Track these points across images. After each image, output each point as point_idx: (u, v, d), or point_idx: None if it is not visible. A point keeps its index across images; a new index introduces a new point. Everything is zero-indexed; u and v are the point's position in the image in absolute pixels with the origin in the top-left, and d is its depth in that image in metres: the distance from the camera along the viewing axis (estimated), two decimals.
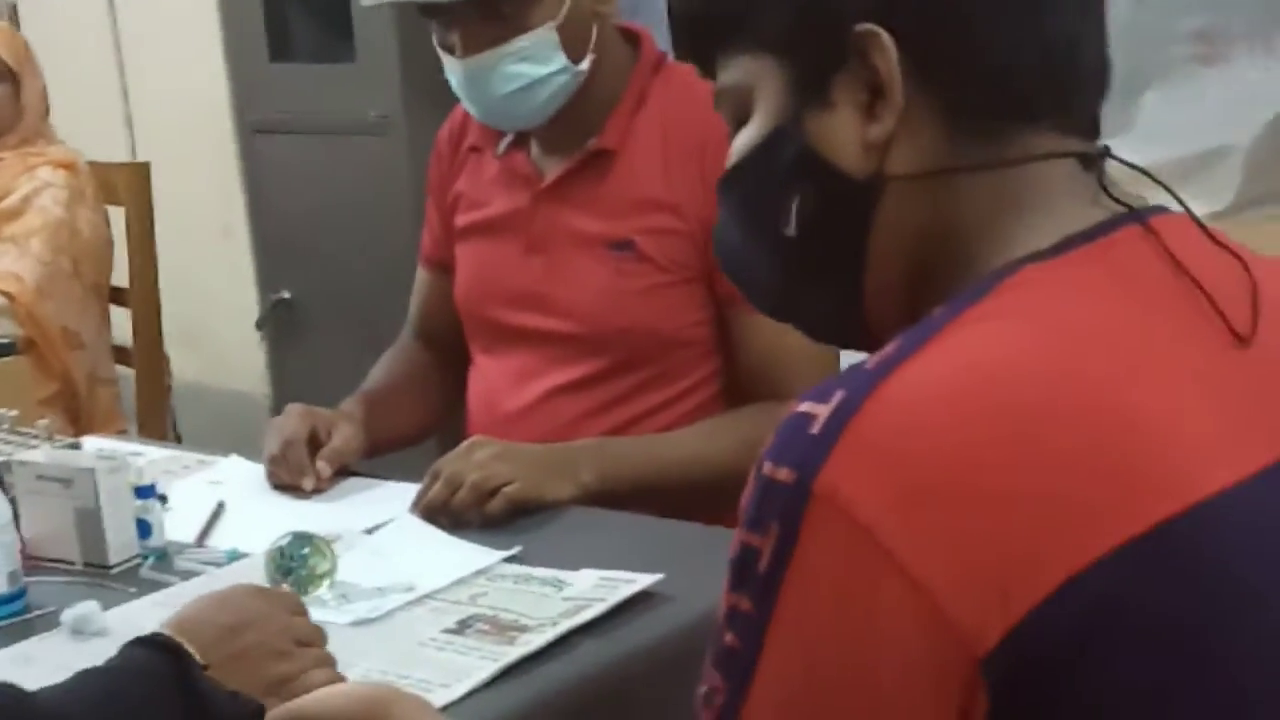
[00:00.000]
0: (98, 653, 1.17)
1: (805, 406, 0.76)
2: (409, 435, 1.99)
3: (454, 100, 1.87)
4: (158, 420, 2.76)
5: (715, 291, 1.80)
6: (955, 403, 0.74)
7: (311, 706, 0.97)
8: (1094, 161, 0.86)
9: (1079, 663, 0.71)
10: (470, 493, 1.62)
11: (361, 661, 1.31)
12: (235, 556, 1.58)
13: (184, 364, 3.89)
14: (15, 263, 2.60)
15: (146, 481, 1.61)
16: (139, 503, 1.59)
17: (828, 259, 0.88)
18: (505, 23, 1.76)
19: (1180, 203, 0.86)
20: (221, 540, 1.64)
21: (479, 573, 1.49)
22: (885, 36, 0.83)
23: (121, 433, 2.58)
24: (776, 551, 0.74)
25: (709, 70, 0.92)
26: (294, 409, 1.83)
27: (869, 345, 0.86)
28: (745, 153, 0.89)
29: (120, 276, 2.77)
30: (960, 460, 0.72)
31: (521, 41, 1.76)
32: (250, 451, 1.86)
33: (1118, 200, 0.85)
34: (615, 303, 1.81)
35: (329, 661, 1.25)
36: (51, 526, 1.58)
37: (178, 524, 1.65)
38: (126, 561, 1.58)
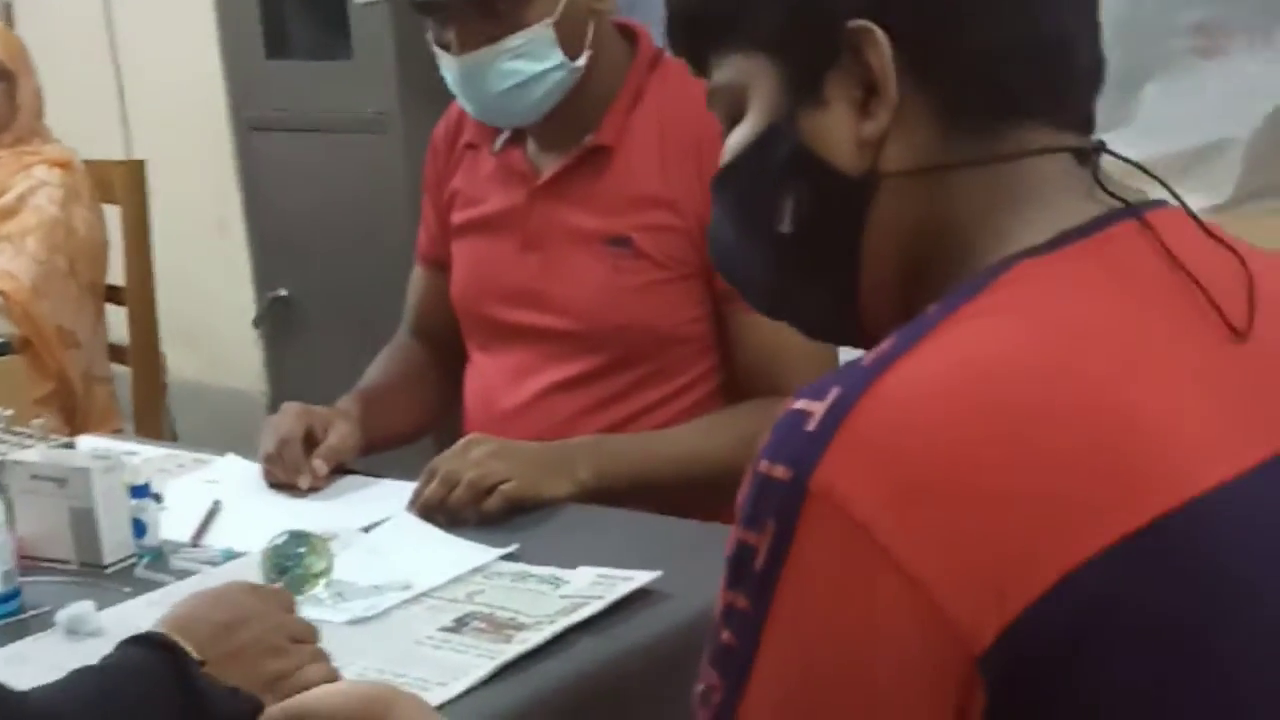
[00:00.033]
0: (93, 652, 1.16)
1: (801, 404, 0.75)
2: (405, 433, 1.99)
3: (450, 97, 1.87)
4: (154, 419, 2.75)
5: (713, 288, 1.79)
6: (951, 399, 0.73)
7: (310, 704, 0.97)
8: (1089, 156, 0.86)
9: (1075, 660, 0.71)
10: (467, 491, 1.61)
11: (358, 660, 1.31)
12: (231, 556, 1.58)
13: (181, 362, 3.88)
14: (11, 261, 2.60)
15: (142, 481, 1.60)
16: (134, 502, 1.59)
17: (823, 256, 0.88)
18: (501, 20, 1.76)
19: (1176, 197, 0.86)
20: (217, 539, 1.64)
21: (476, 570, 1.49)
22: (879, 33, 0.82)
23: (118, 431, 2.57)
24: (773, 549, 0.74)
25: (703, 69, 0.91)
26: (290, 407, 1.82)
27: (865, 342, 0.85)
28: (739, 151, 0.89)
29: (116, 275, 2.76)
30: (956, 457, 0.72)
31: (517, 38, 1.76)
32: (247, 450, 1.86)
33: (1113, 195, 0.84)
34: (612, 299, 1.81)
35: (323, 658, 1.24)
36: (46, 526, 1.58)
37: (173, 523, 1.65)
38: (121, 561, 1.57)
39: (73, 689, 1.11)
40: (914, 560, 0.71)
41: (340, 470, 1.79)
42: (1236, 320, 0.80)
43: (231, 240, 3.88)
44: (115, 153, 3.84)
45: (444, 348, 2.00)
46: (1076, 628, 0.70)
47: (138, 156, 3.25)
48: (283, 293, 3.73)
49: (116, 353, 2.79)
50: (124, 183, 2.76)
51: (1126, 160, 0.88)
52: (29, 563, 1.55)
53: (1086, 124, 0.88)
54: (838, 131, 0.85)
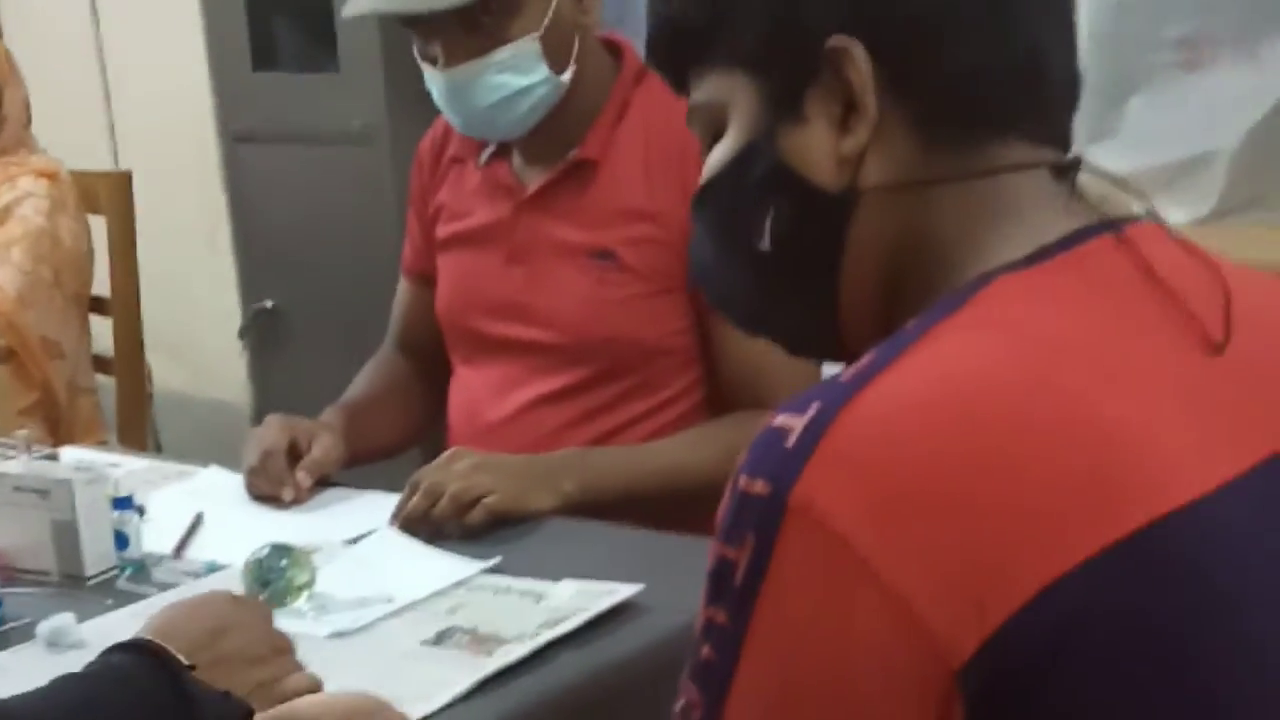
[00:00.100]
0: (74, 665, 1.15)
1: (780, 419, 0.75)
2: (389, 446, 1.99)
3: (437, 110, 1.87)
4: (138, 430, 2.75)
5: (697, 301, 1.80)
6: (930, 414, 0.74)
7: (297, 712, 0.97)
8: (1067, 171, 0.86)
9: (1054, 672, 0.71)
10: (450, 504, 1.61)
11: (339, 673, 1.30)
12: (213, 568, 1.57)
13: (166, 373, 3.87)
14: None
15: (124, 493, 1.60)
16: (116, 514, 1.59)
17: (802, 273, 0.88)
18: (487, 34, 1.76)
19: (1153, 212, 0.86)
20: (200, 552, 1.64)
21: (458, 584, 1.49)
22: (858, 50, 0.83)
23: (102, 442, 2.56)
24: (752, 564, 0.74)
25: (683, 87, 0.92)
26: (274, 419, 1.82)
27: (845, 358, 0.86)
28: (719, 169, 0.89)
29: (101, 285, 2.76)
30: (935, 471, 0.72)
31: (503, 53, 1.76)
32: (232, 461, 1.85)
33: (1091, 209, 0.84)
34: (597, 312, 1.81)
35: (302, 669, 1.24)
36: (28, 538, 1.57)
37: (156, 535, 1.64)
38: (103, 573, 1.57)
39: (55, 696, 1.09)
40: (893, 574, 0.71)
41: (324, 483, 1.79)
42: (1214, 333, 0.81)
43: (217, 252, 3.87)
44: (102, 163, 3.83)
45: (429, 361, 2.00)
46: (1056, 640, 0.71)
47: (124, 167, 3.25)
48: (268, 304, 3.73)
49: (101, 363, 2.78)
50: (110, 194, 2.75)
51: (1105, 175, 0.88)
52: (10, 574, 1.55)
53: (1064, 139, 0.88)
54: (817, 148, 0.85)
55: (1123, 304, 0.81)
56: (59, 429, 2.61)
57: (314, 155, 3.51)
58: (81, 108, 4.10)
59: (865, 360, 0.77)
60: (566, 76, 1.80)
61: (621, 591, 1.40)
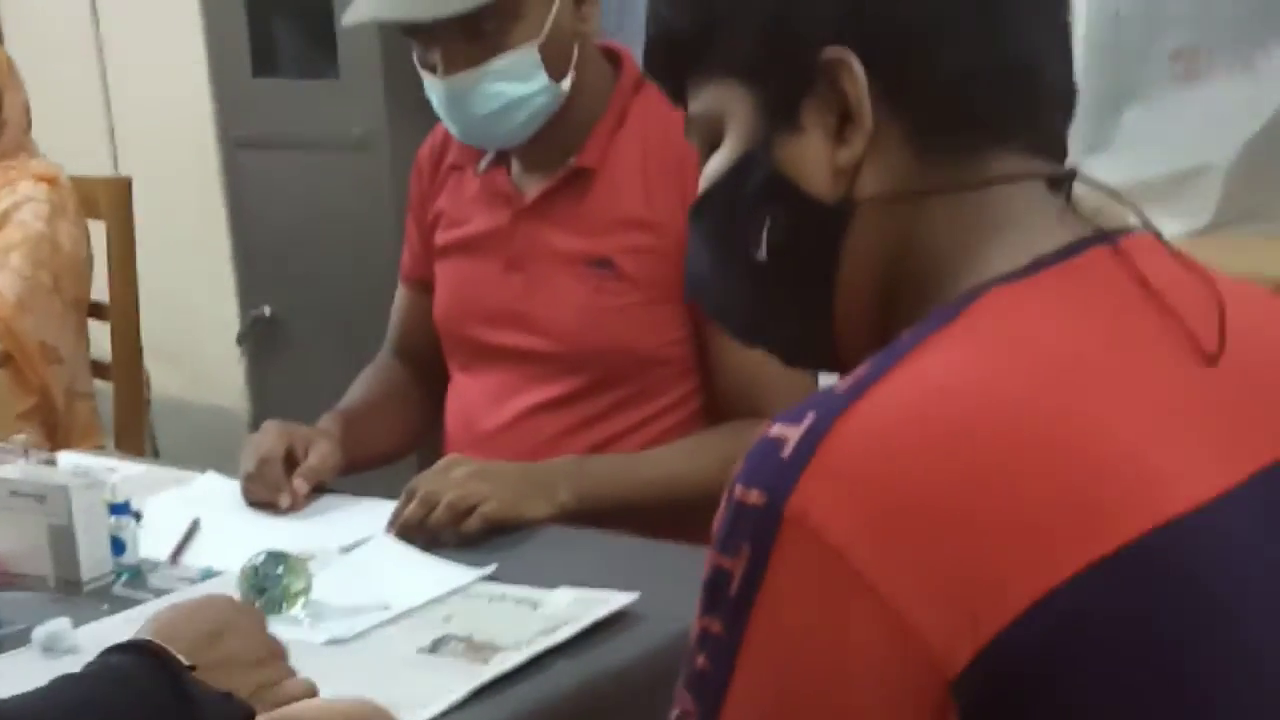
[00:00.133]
0: (68, 670, 1.15)
1: (776, 429, 0.76)
2: (386, 453, 1.99)
3: (437, 118, 1.87)
4: (136, 435, 2.75)
5: (694, 310, 1.80)
6: (925, 425, 0.74)
7: (300, 715, 0.97)
8: (1062, 183, 0.86)
9: (1048, 684, 0.71)
10: (446, 512, 1.61)
11: (335, 680, 1.30)
12: (209, 574, 1.57)
13: (164, 379, 3.87)
14: None
15: (121, 498, 1.60)
16: (113, 520, 1.59)
17: (798, 283, 0.88)
18: (486, 42, 1.76)
19: (1148, 224, 0.87)
20: (196, 558, 1.64)
21: (454, 591, 1.49)
22: (853, 61, 0.83)
23: (99, 448, 2.56)
24: (747, 574, 0.74)
25: (680, 98, 0.92)
26: (271, 426, 1.82)
27: (841, 368, 0.86)
28: (715, 179, 0.90)
29: (100, 291, 2.76)
30: (930, 483, 0.72)
31: (502, 60, 1.76)
32: (229, 467, 1.85)
33: (1086, 221, 0.85)
34: (594, 321, 1.81)
35: (296, 675, 1.24)
36: (25, 543, 1.57)
37: (152, 541, 1.64)
38: (99, 578, 1.57)
39: (54, 696, 1.09)
40: (888, 585, 0.71)
41: (320, 489, 1.79)
42: (1207, 345, 0.81)
43: (216, 257, 3.88)
44: (102, 168, 3.84)
45: (426, 368, 2.00)
46: (1049, 652, 0.71)
47: (124, 172, 3.25)
48: (267, 310, 3.73)
49: (99, 368, 2.78)
50: (110, 199, 2.75)
51: (1100, 186, 0.88)
52: (5, 579, 1.55)
53: (1060, 150, 0.88)
54: (813, 159, 0.85)
55: (1117, 315, 0.81)
56: (56, 434, 2.61)
57: (313, 161, 3.51)
58: (82, 113, 4.11)
59: (861, 371, 0.77)
60: (565, 85, 1.80)
61: (617, 600, 1.40)
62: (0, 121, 2.71)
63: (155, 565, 1.61)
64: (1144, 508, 0.73)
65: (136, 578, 1.58)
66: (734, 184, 0.88)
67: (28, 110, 2.77)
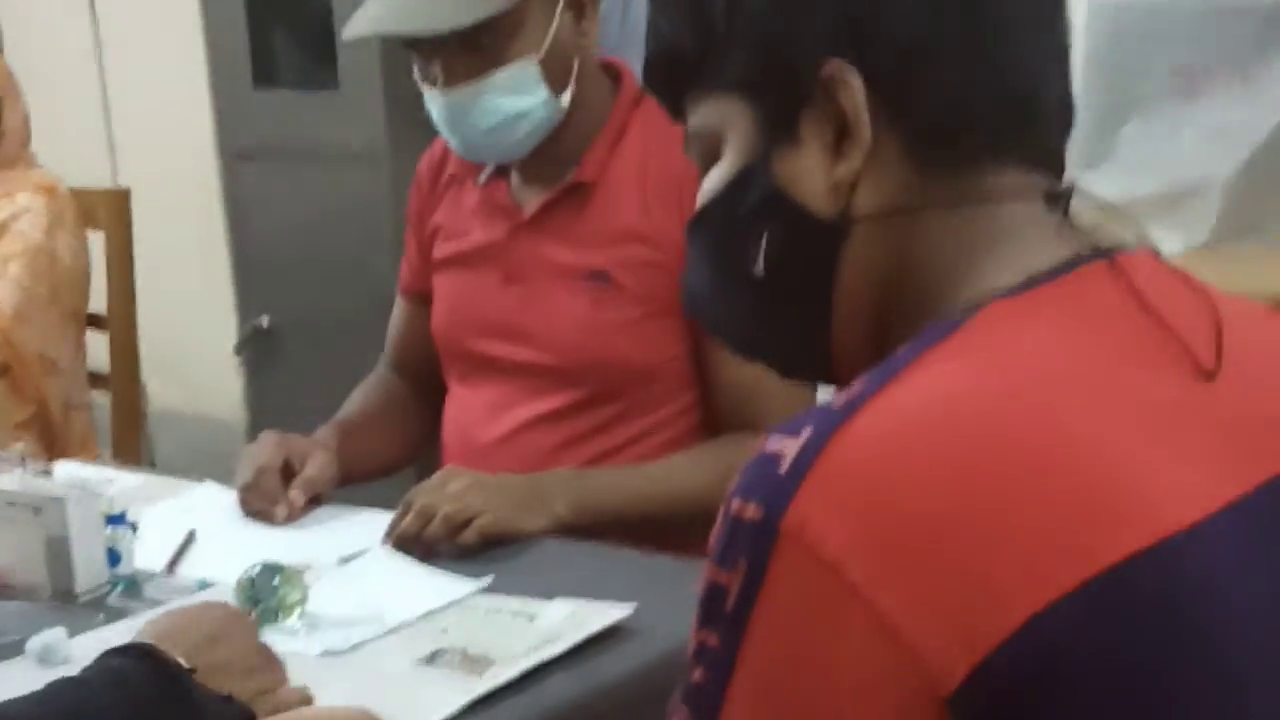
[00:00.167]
0: None
1: (773, 444, 0.76)
2: (384, 465, 1.99)
3: (437, 130, 1.87)
4: (132, 446, 2.75)
5: (692, 324, 1.80)
6: (922, 440, 0.74)
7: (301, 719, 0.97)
8: (1060, 198, 0.86)
9: (1044, 702, 0.71)
10: (443, 524, 1.61)
11: (330, 692, 1.30)
12: (205, 585, 1.57)
13: (161, 390, 3.88)
14: None
15: (118, 509, 1.60)
16: (109, 531, 1.59)
17: (795, 298, 0.88)
18: (486, 55, 1.76)
19: (1145, 240, 0.87)
20: (192, 569, 1.64)
21: (450, 604, 1.48)
22: (851, 76, 0.83)
23: (96, 458, 2.56)
24: (744, 589, 0.74)
25: (679, 113, 0.92)
26: (268, 437, 1.82)
27: (838, 382, 0.86)
28: (714, 193, 0.90)
29: (98, 301, 2.76)
30: (926, 499, 0.72)
31: (503, 74, 1.77)
32: (226, 478, 1.85)
33: (1084, 236, 0.85)
34: (592, 334, 1.81)
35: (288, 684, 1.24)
36: (21, 553, 1.57)
37: (148, 552, 1.64)
38: (95, 589, 1.57)
39: (51, 701, 1.08)
40: (884, 599, 0.71)
41: (317, 501, 1.79)
42: (1204, 361, 0.81)
43: (214, 268, 3.88)
44: (101, 179, 3.84)
45: (424, 380, 2.00)
46: (1045, 667, 0.71)
47: (124, 183, 3.25)
48: (264, 322, 3.73)
49: (96, 379, 2.78)
50: (109, 210, 2.76)
51: (1097, 202, 0.88)
52: (1, 589, 1.55)
53: (1058, 166, 0.88)
54: (811, 173, 0.85)
55: (1115, 332, 0.81)
56: (53, 444, 2.61)
57: (313, 173, 3.51)
58: (81, 124, 4.11)
59: (858, 386, 0.77)
60: (565, 99, 1.81)
61: (614, 613, 1.40)
62: (0, 132, 2.72)
63: (151, 576, 1.61)
64: (1139, 524, 0.73)
65: (132, 588, 1.58)
66: (732, 198, 0.88)
67: (27, 121, 2.77)
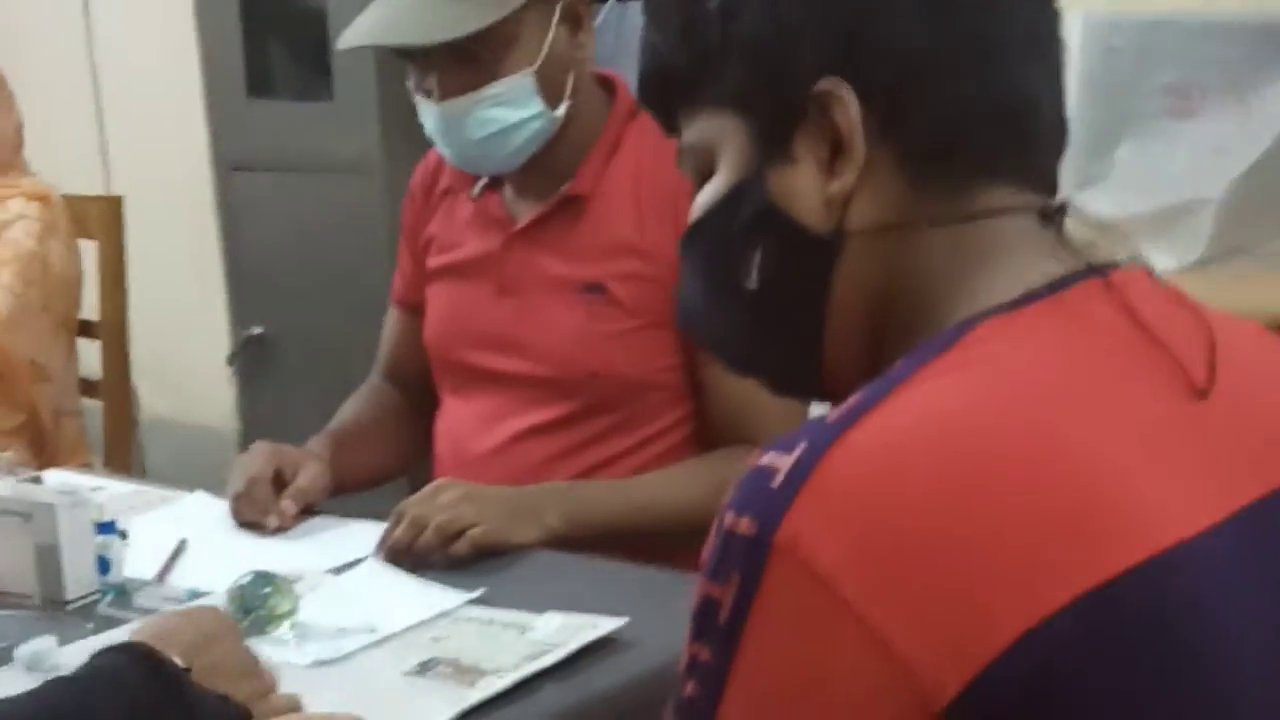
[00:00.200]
0: None
1: (767, 458, 0.76)
2: (376, 476, 1.99)
3: (431, 141, 1.87)
4: (123, 454, 2.74)
5: (685, 337, 1.80)
6: (916, 455, 0.74)
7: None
8: (1053, 216, 0.86)
9: (1036, 717, 0.71)
10: (435, 535, 1.61)
11: (321, 702, 1.30)
12: (196, 595, 1.57)
13: (153, 398, 3.87)
14: None
15: (108, 517, 1.60)
16: (99, 539, 1.58)
17: (788, 313, 0.89)
18: (482, 67, 1.77)
19: (1139, 258, 0.87)
20: (182, 578, 1.63)
21: (442, 615, 1.48)
22: (846, 93, 0.83)
23: (86, 466, 2.56)
24: (737, 603, 0.74)
25: (673, 128, 0.92)
26: (260, 446, 1.82)
27: (831, 398, 0.86)
28: (708, 208, 0.90)
29: (91, 309, 2.76)
30: (920, 514, 0.72)
31: (498, 86, 1.77)
32: (217, 487, 1.85)
33: (1077, 254, 0.85)
34: (586, 346, 1.81)
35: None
36: (10, 561, 1.57)
37: (138, 560, 1.64)
38: (85, 597, 1.57)
39: (46, 697, 1.07)
40: (877, 615, 0.71)
41: (309, 511, 1.78)
42: (1197, 379, 0.81)
43: (207, 278, 3.87)
44: (95, 187, 3.83)
45: (417, 391, 2.00)
46: (1036, 685, 0.71)
47: (117, 191, 3.24)
48: (257, 331, 3.73)
49: (88, 387, 2.78)
50: (102, 218, 2.75)
51: (1091, 220, 0.89)
52: None
53: (1051, 184, 0.89)
54: (805, 189, 0.86)
55: (1108, 349, 0.81)
56: (44, 452, 2.60)
57: (307, 184, 3.51)
58: (74, 131, 4.11)
59: (852, 401, 0.77)
60: (560, 111, 1.81)
61: (605, 625, 1.40)
62: None
63: (141, 585, 1.60)
64: (1130, 542, 0.73)
65: (122, 597, 1.57)
66: (726, 214, 0.89)
67: (20, 128, 2.77)
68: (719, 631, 0.75)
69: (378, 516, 1.70)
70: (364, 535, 1.69)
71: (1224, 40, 2.41)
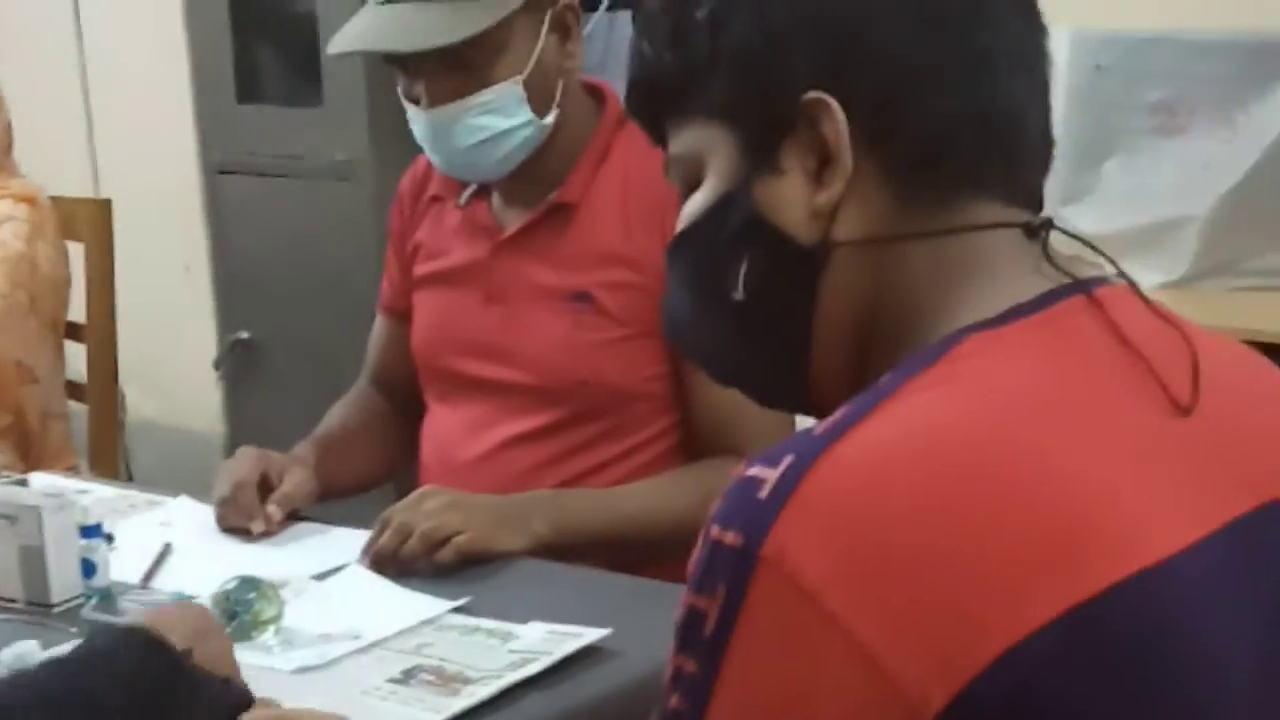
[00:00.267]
0: None
1: (754, 470, 0.76)
2: (362, 482, 1.98)
3: (419, 148, 1.88)
4: (109, 457, 2.74)
5: (672, 346, 1.80)
6: (902, 470, 0.74)
7: (290, 714, 0.97)
8: (1038, 232, 0.87)
9: None
10: (420, 542, 1.61)
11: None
12: (181, 599, 1.56)
13: (140, 402, 3.86)
14: None
15: (93, 521, 1.59)
16: (84, 542, 1.58)
17: (774, 324, 0.89)
18: (471, 75, 1.77)
19: (1123, 275, 0.88)
20: (167, 582, 1.63)
21: (426, 622, 1.48)
22: (834, 105, 0.84)
23: (72, 469, 2.55)
24: (723, 615, 0.74)
25: (661, 138, 0.93)
26: (246, 451, 1.82)
27: (815, 410, 0.87)
28: (695, 218, 0.90)
29: (78, 311, 2.75)
30: (906, 528, 0.73)
31: (487, 94, 1.77)
32: (202, 492, 1.85)
33: (1062, 270, 0.86)
34: (572, 355, 1.81)
35: None
36: None
37: (123, 564, 1.64)
38: (69, 601, 1.56)
39: (37, 682, 1.06)
40: (863, 629, 0.71)
41: (294, 517, 1.78)
42: (1181, 396, 0.82)
43: (195, 282, 3.87)
44: (83, 190, 3.83)
45: (403, 398, 2.00)
46: (1021, 701, 0.71)
47: (105, 194, 3.24)
48: (244, 336, 3.72)
49: (74, 389, 2.77)
50: (90, 220, 2.75)
51: (1075, 236, 0.89)
52: None
53: (1036, 200, 0.89)
54: (792, 200, 0.86)
55: (1092, 365, 0.82)
56: (29, 454, 2.59)
57: (295, 189, 3.51)
58: (64, 134, 4.10)
59: (839, 414, 0.78)
60: (549, 120, 1.81)
61: (589, 635, 1.40)
62: None
63: (126, 588, 1.60)
64: (1114, 559, 0.74)
65: (107, 600, 1.57)
66: (713, 224, 0.89)
67: (9, 131, 2.77)
68: (704, 644, 0.75)
69: (363, 523, 1.70)
70: (349, 542, 1.69)
71: (1211, 58, 2.43)
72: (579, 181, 1.84)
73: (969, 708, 0.70)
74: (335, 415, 2.01)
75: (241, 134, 3.63)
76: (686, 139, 0.90)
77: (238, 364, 3.76)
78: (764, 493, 0.74)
